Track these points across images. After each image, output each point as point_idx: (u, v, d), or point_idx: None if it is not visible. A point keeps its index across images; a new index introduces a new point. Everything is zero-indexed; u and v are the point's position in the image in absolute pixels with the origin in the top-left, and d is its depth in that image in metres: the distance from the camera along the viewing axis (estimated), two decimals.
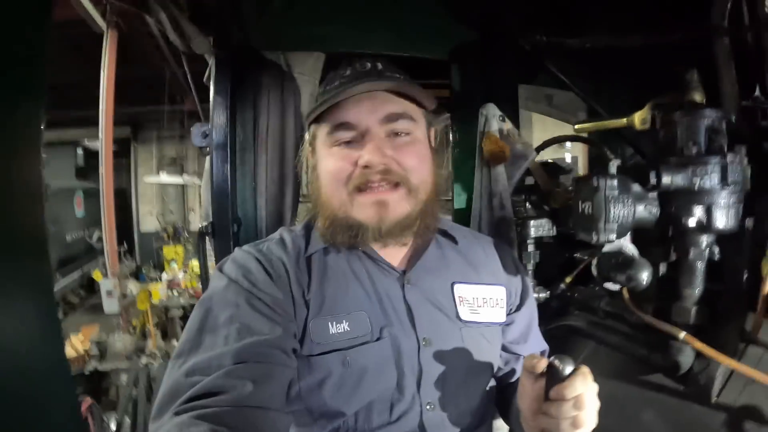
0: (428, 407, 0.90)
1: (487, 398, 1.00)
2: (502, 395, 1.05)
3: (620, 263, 1.03)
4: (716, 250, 1.05)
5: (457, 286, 0.99)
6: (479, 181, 1.41)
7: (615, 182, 0.98)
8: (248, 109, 1.50)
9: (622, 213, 0.98)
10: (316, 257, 0.95)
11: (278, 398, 0.80)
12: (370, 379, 0.87)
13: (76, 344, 5.54)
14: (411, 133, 0.92)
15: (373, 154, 0.87)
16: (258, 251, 0.94)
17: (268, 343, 0.80)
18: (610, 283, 1.10)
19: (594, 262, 1.09)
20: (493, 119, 1.40)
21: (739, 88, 1.09)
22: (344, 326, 0.88)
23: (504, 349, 1.05)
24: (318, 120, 0.93)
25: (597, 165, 1.66)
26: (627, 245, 1.06)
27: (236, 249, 0.97)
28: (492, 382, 1.01)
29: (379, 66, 0.93)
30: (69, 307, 9.02)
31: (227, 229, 1.44)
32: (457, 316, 0.96)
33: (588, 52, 1.44)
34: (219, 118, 1.43)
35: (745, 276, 1.06)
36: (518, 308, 1.07)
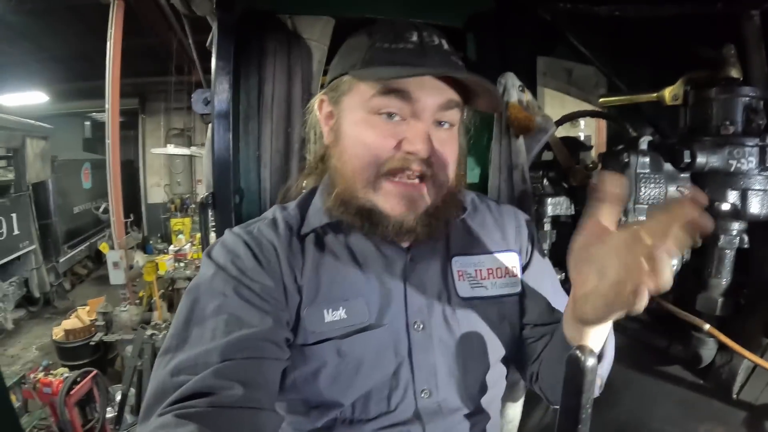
0: (423, 395, 0.85)
1: (494, 380, 0.92)
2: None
3: None
4: (745, 238, 0.98)
5: (456, 260, 0.91)
6: (498, 154, 1.32)
7: (647, 159, 0.91)
8: (253, 76, 1.42)
9: (653, 192, 0.92)
10: (311, 238, 0.89)
11: (269, 396, 0.76)
12: (367, 367, 0.83)
13: (82, 315, 5.62)
14: (454, 125, 0.85)
15: (424, 142, 0.79)
16: (248, 233, 0.87)
17: (257, 336, 0.75)
18: None
19: None
20: (513, 89, 1.31)
21: None
22: (341, 314, 0.83)
23: (531, 326, 0.95)
24: (363, 74, 0.82)
25: (616, 143, 1.58)
26: None
27: (226, 231, 0.90)
28: (499, 364, 0.93)
29: (444, 45, 0.83)
30: (76, 278, 9.14)
31: (228, 201, 1.37)
32: (456, 294, 0.89)
33: (610, 24, 1.36)
34: (221, 84, 1.35)
35: None
36: (527, 266, 0.97)
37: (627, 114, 1.47)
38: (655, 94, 1.07)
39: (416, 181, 0.81)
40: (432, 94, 0.79)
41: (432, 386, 0.85)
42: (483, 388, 0.91)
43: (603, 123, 2.28)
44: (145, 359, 4.15)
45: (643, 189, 0.91)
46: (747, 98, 0.94)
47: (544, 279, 0.98)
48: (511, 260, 0.95)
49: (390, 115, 0.80)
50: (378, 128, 0.80)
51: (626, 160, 0.91)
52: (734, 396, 0.99)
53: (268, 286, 0.81)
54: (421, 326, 0.86)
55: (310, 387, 0.83)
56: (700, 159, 0.91)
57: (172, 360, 0.73)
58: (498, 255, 0.94)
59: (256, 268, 0.82)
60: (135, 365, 4.18)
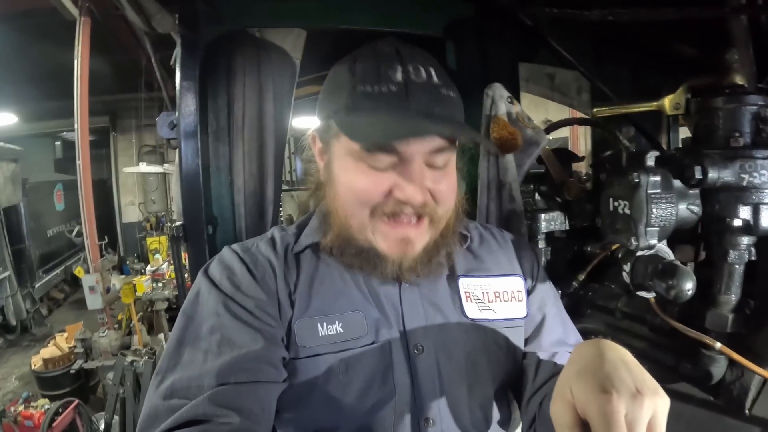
0: (426, 423, 0.80)
1: (499, 407, 0.88)
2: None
3: (660, 271, 0.90)
4: (752, 250, 0.94)
5: (462, 280, 0.89)
6: (485, 171, 1.25)
7: (657, 178, 0.85)
8: (221, 95, 1.33)
9: (665, 213, 0.85)
10: (308, 254, 0.87)
11: (265, 423, 0.73)
12: (365, 387, 0.78)
13: (60, 343, 5.46)
14: (448, 163, 0.81)
15: (416, 192, 0.76)
16: (245, 250, 0.88)
17: (251, 357, 0.73)
18: (644, 291, 0.97)
19: (626, 267, 0.97)
20: (501, 101, 1.23)
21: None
22: (336, 328, 0.80)
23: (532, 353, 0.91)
24: (345, 129, 0.78)
25: (602, 150, 1.54)
26: (663, 248, 0.93)
27: (225, 248, 0.91)
28: (505, 391, 0.90)
29: (434, 77, 0.78)
30: (53, 303, 8.90)
31: (201, 232, 1.27)
32: (463, 314, 0.86)
33: (592, 28, 1.31)
34: (187, 105, 1.26)
35: None
36: (532, 291, 0.95)
37: (613, 119, 1.43)
38: (654, 104, 1.02)
39: (413, 220, 0.79)
40: (418, 142, 0.76)
41: (435, 415, 0.81)
42: (488, 416, 0.86)
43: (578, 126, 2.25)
44: (127, 386, 4.05)
45: (654, 211, 0.85)
46: (756, 107, 0.89)
47: (548, 305, 0.95)
48: (518, 285, 0.92)
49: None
50: (367, 176, 0.78)
51: (636, 180, 0.85)
52: (746, 412, 0.96)
53: (263, 300, 0.80)
54: (422, 349, 0.82)
55: (304, 407, 0.79)
56: (712, 174, 0.86)
57: (164, 381, 0.72)
58: (505, 278, 0.92)
59: (250, 284, 0.82)
60: (117, 393, 4.07)
